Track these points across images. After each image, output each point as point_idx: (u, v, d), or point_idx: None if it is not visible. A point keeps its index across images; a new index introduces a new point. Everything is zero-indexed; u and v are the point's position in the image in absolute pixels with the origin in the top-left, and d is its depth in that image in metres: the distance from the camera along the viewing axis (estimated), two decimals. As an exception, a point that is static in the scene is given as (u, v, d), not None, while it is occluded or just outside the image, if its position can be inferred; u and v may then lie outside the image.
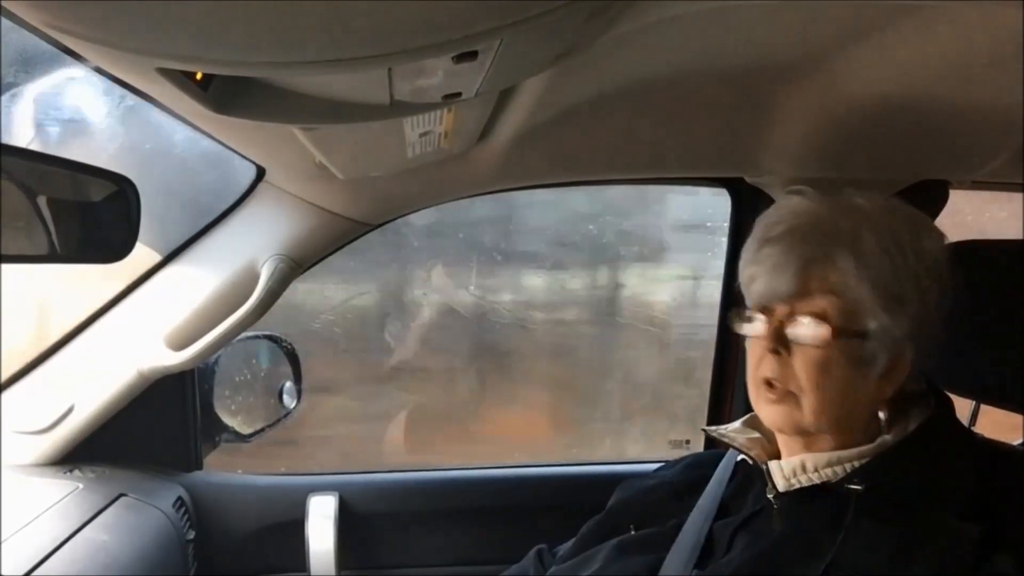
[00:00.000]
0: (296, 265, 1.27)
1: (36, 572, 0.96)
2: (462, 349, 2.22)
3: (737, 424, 1.00)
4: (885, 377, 0.86)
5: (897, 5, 0.79)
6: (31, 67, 1.23)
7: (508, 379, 2.28)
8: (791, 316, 0.85)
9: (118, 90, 1.14)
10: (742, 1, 0.78)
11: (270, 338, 1.49)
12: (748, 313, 0.89)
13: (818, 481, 0.86)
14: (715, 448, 1.10)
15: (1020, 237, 1.22)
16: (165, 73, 0.56)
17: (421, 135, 0.90)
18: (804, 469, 0.87)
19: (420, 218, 1.90)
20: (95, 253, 0.93)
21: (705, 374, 1.63)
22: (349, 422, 2.17)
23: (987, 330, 0.99)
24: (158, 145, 1.35)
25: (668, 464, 1.13)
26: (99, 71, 0.81)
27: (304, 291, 2.03)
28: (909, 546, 0.78)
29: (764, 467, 0.90)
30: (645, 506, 1.03)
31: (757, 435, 0.97)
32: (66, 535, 1.04)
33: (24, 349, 1.28)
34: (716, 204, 1.69)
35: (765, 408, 0.88)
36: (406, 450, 2.19)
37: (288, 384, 1.49)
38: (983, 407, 1.14)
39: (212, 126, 0.93)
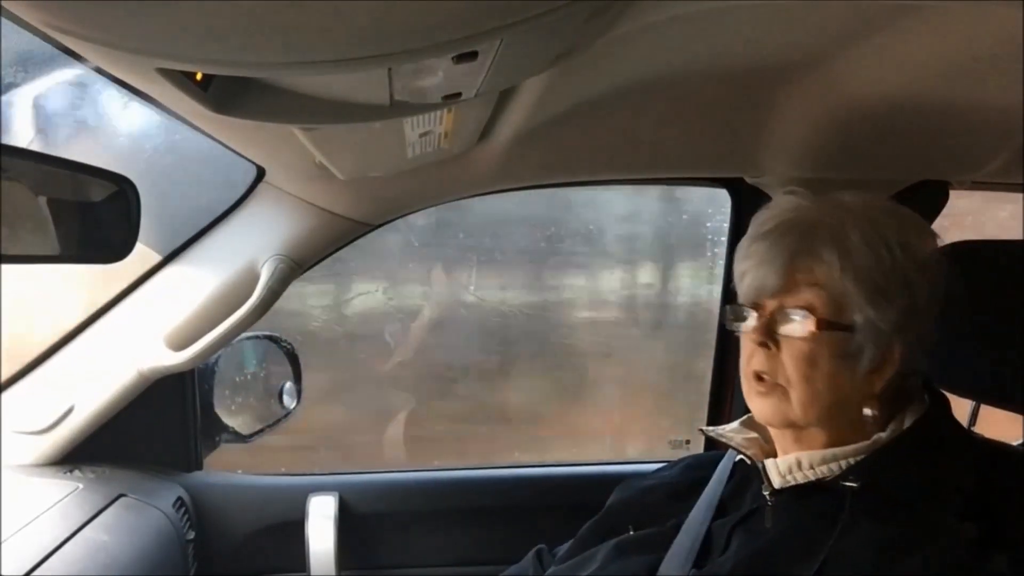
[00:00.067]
0: (296, 265, 1.27)
1: (36, 572, 0.96)
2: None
3: (735, 424, 1.00)
4: (874, 371, 0.87)
5: (897, 5, 0.79)
6: (31, 67, 1.24)
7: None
8: (779, 310, 0.87)
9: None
10: (742, 1, 0.78)
11: (270, 338, 1.49)
12: (740, 310, 0.91)
13: (813, 478, 0.87)
14: (715, 449, 1.10)
15: (1020, 237, 1.22)
16: (165, 73, 0.56)
17: (421, 135, 0.90)
18: (799, 466, 0.88)
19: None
20: (95, 253, 0.93)
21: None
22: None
23: (987, 330, 0.99)
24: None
25: (668, 465, 1.13)
26: (99, 71, 0.81)
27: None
28: (904, 544, 0.79)
29: (760, 465, 0.90)
30: (644, 506, 1.03)
31: (754, 435, 0.97)
32: (66, 535, 1.04)
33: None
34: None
35: (755, 402, 0.90)
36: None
37: (288, 384, 1.49)
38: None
39: (212, 126, 0.93)
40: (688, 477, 1.05)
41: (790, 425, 0.89)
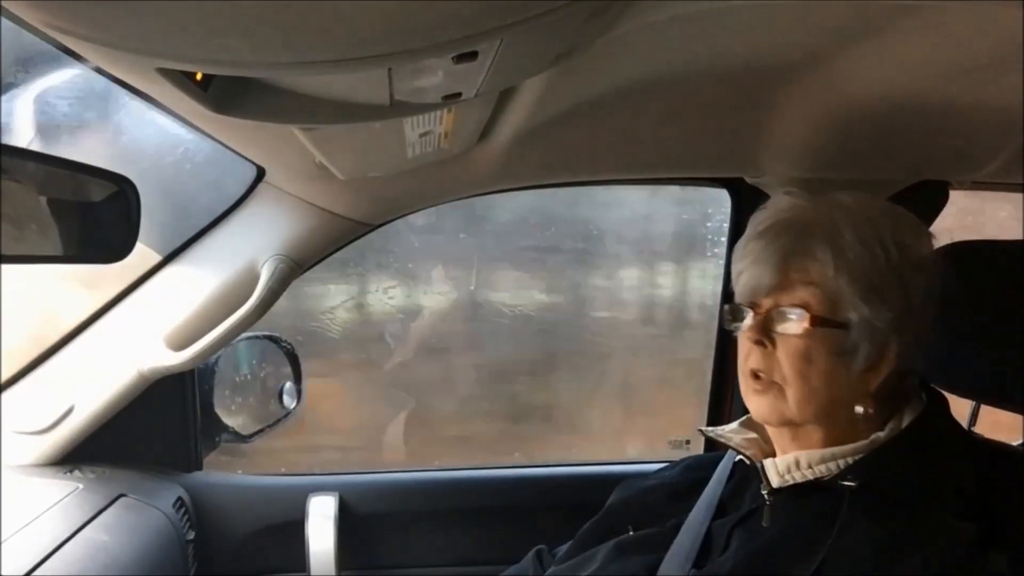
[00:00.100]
0: (296, 265, 1.27)
1: (36, 572, 0.96)
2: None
3: (734, 425, 1.01)
4: (870, 370, 0.87)
5: (897, 5, 0.79)
6: (31, 67, 1.24)
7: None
8: (775, 309, 0.87)
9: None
10: (742, 1, 0.78)
11: (270, 338, 1.50)
12: (737, 310, 0.91)
13: (811, 477, 0.87)
14: (715, 450, 1.10)
15: (1020, 237, 1.22)
16: (165, 73, 0.56)
17: (421, 135, 0.90)
18: (798, 466, 0.88)
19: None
20: (95, 253, 0.93)
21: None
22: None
23: (987, 330, 0.99)
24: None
25: (668, 465, 1.13)
26: (99, 71, 0.81)
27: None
28: (903, 543, 0.79)
29: (759, 465, 0.91)
30: (644, 506, 1.04)
31: (754, 435, 0.98)
32: (66, 535, 1.04)
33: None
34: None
35: (752, 400, 0.90)
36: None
37: (288, 384, 1.49)
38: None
39: (212, 126, 0.93)
40: (688, 477, 1.05)
41: (787, 423, 0.89)
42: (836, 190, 0.93)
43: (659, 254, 2.21)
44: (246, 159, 1.20)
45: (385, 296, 2.06)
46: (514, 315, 2.11)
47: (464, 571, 1.48)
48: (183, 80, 0.59)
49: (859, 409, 0.87)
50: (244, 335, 1.34)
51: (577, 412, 2.22)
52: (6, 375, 1.27)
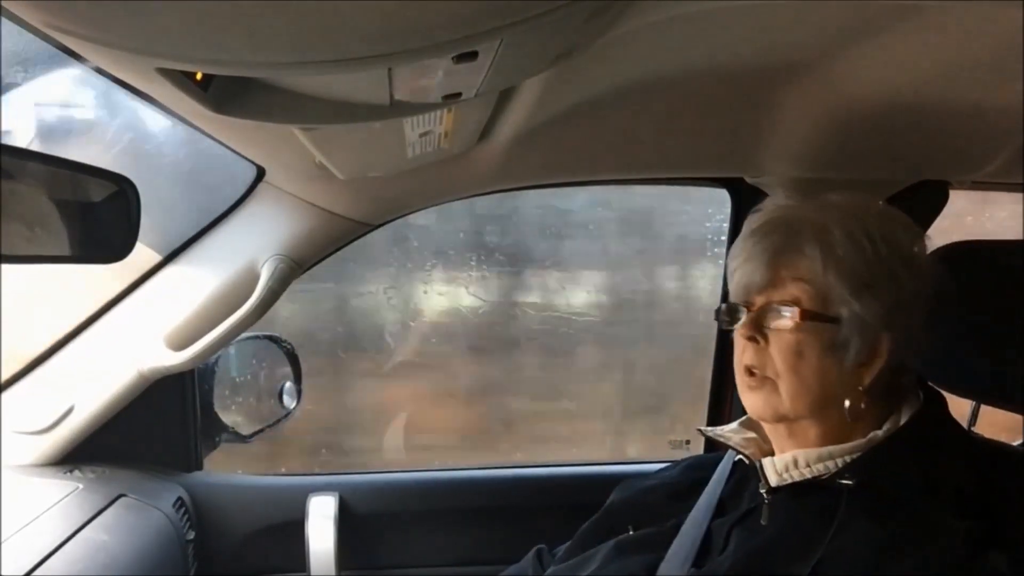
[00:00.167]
0: (296, 265, 1.27)
1: (36, 572, 0.96)
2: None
3: (734, 425, 1.01)
4: (863, 364, 0.88)
5: (897, 5, 0.79)
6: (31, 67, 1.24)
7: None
8: (768, 305, 0.89)
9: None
10: (742, 1, 0.78)
11: (270, 338, 1.49)
12: (732, 309, 0.93)
13: (809, 476, 0.88)
14: (715, 450, 1.11)
15: (1020, 237, 1.22)
16: (165, 73, 0.56)
17: (421, 135, 0.90)
18: (796, 464, 0.89)
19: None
20: (95, 253, 0.93)
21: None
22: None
23: (986, 331, 0.99)
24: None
25: (669, 465, 1.13)
26: (99, 71, 0.81)
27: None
28: (901, 542, 0.79)
29: (758, 464, 0.91)
30: (644, 506, 1.04)
31: (753, 435, 0.98)
32: (66, 535, 1.04)
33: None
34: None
35: (747, 397, 0.91)
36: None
37: (288, 384, 1.49)
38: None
39: (212, 126, 0.93)
40: (688, 477, 1.05)
41: (781, 419, 0.90)
42: (836, 190, 0.94)
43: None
44: (246, 159, 1.20)
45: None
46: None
47: (464, 571, 1.48)
48: (183, 80, 0.59)
49: (848, 403, 0.88)
50: (244, 335, 1.33)
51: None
52: (6, 375, 1.27)
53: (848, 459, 0.87)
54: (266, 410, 1.50)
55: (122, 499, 1.20)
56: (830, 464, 0.87)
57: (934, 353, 0.94)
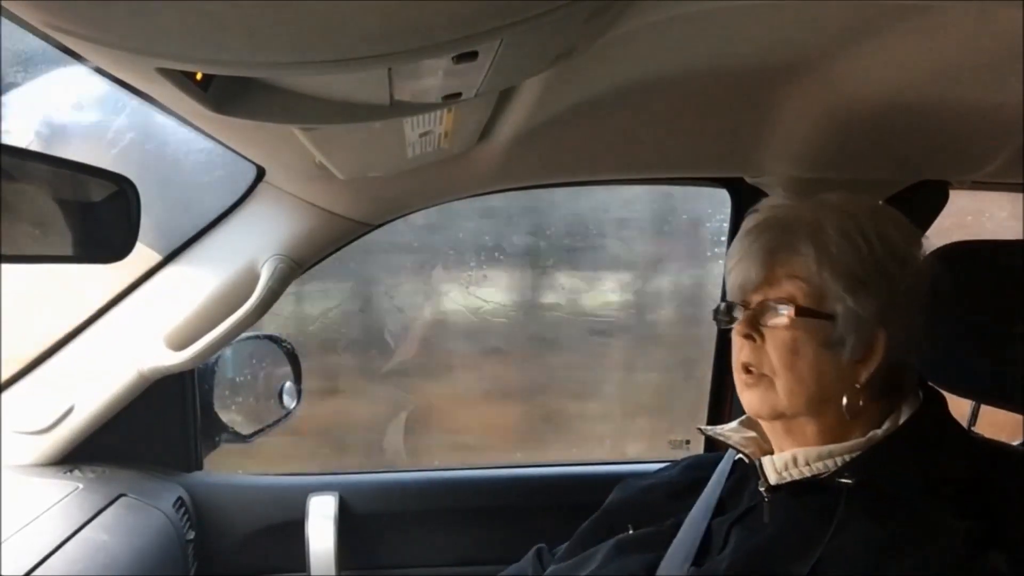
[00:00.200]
0: (296, 265, 1.27)
1: (36, 572, 0.96)
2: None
3: (734, 424, 1.01)
4: (859, 361, 0.88)
5: (897, 5, 0.79)
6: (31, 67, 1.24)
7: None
8: (764, 303, 0.89)
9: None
10: (742, 1, 0.78)
11: (270, 338, 1.49)
12: (730, 308, 0.94)
13: (809, 475, 0.88)
14: (716, 450, 1.11)
15: (1020, 237, 1.22)
16: (165, 73, 0.56)
17: (421, 135, 0.90)
18: (795, 463, 0.89)
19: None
20: (95, 253, 0.93)
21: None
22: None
23: (987, 330, 0.99)
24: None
25: (669, 465, 1.13)
26: (99, 71, 0.81)
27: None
28: (901, 542, 0.79)
29: (757, 462, 0.91)
30: (643, 505, 1.04)
31: (752, 434, 0.98)
32: (66, 535, 1.04)
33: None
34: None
35: (745, 394, 0.92)
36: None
37: (288, 384, 1.49)
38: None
39: (212, 126, 0.93)
40: (688, 477, 1.05)
41: (778, 416, 0.90)
42: (836, 190, 0.94)
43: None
44: (246, 159, 1.20)
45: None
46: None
47: (464, 571, 1.48)
48: (183, 80, 0.59)
49: (845, 400, 0.88)
50: (244, 335, 1.33)
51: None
52: (6, 375, 1.27)
53: (848, 458, 0.87)
54: (266, 410, 1.50)
55: (122, 499, 1.20)
56: (829, 463, 0.88)
57: (934, 353, 0.94)
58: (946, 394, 0.96)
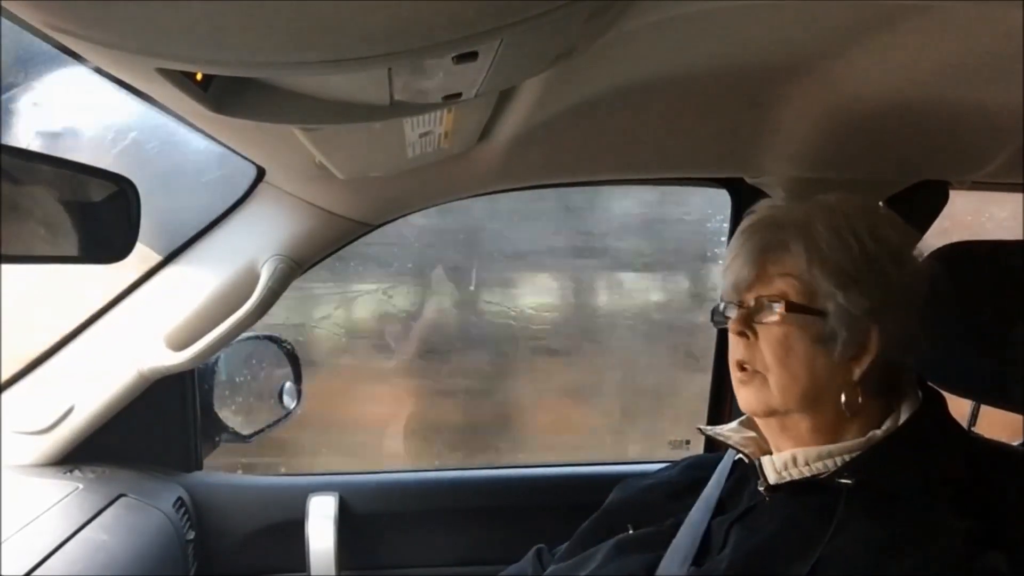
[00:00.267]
0: (296, 265, 1.27)
1: (36, 572, 0.96)
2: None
3: (733, 424, 1.02)
4: (853, 358, 0.88)
5: (897, 5, 0.79)
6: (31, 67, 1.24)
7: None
8: (757, 301, 0.91)
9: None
10: (742, 1, 0.78)
11: (270, 338, 1.49)
12: (726, 307, 0.95)
13: (808, 474, 0.88)
14: (715, 450, 1.11)
15: (1020, 237, 1.22)
16: (165, 73, 0.56)
17: (421, 135, 0.90)
18: (795, 463, 0.89)
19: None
20: (95, 253, 0.93)
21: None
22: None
23: (987, 331, 0.99)
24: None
25: (669, 465, 1.13)
26: (99, 71, 0.81)
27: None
28: (901, 542, 0.79)
29: (757, 462, 0.91)
30: (643, 505, 1.04)
31: (752, 434, 0.98)
32: (66, 535, 1.04)
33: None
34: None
35: (740, 392, 0.92)
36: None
37: (288, 384, 1.49)
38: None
39: (212, 126, 0.93)
40: (688, 477, 1.05)
41: (772, 412, 0.91)
42: (836, 190, 0.94)
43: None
44: (246, 159, 1.20)
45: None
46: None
47: (464, 571, 1.48)
48: (183, 80, 0.59)
49: (841, 397, 0.88)
50: (244, 335, 1.33)
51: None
52: (6, 375, 1.27)
53: (847, 458, 0.87)
54: (266, 410, 1.50)
55: (122, 499, 1.20)
56: (829, 463, 0.88)
57: (934, 353, 0.94)
58: (946, 394, 0.96)
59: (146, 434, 1.36)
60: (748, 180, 1.36)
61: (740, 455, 0.96)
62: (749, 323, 0.90)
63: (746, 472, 0.96)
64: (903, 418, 0.89)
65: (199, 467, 1.44)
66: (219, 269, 1.27)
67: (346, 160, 1.00)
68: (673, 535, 0.95)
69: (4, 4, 0.46)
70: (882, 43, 0.89)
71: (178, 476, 1.39)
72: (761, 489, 0.90)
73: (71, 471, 1.26)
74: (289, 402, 1.49)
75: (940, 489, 0.83)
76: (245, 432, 1.47)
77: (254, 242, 1.27)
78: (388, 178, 1.18)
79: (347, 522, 1.42)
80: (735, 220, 1.53)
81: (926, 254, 0.98)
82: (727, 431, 1.00)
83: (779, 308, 0.88)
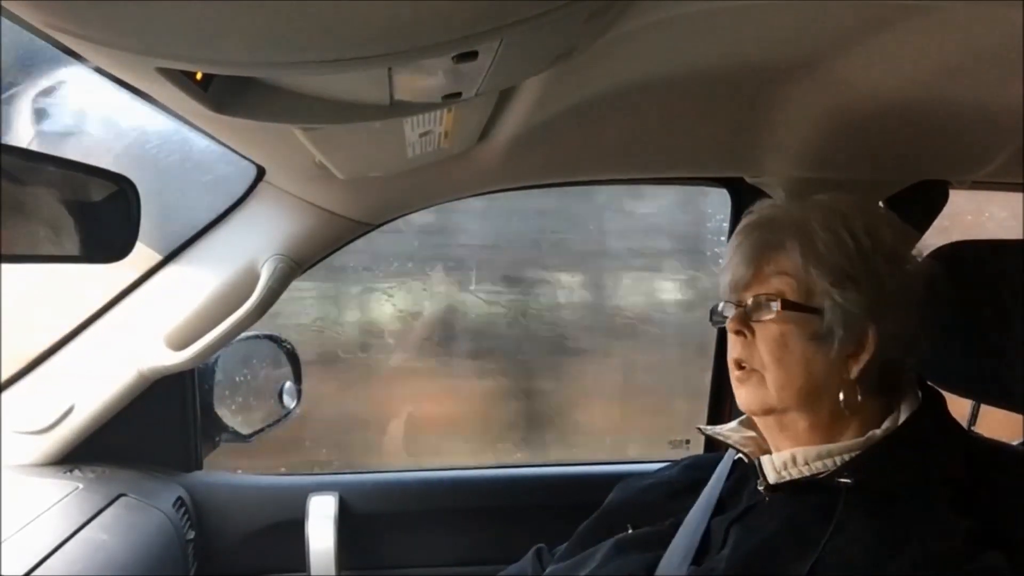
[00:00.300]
0: (296, 265, 1.27)
1: (36, 572, 0.96)
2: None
3: (733, 424, 1.02)
4: (850, 356, 0.89)
5: (897, 5, 0.79)
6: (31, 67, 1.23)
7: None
8: (754, 300, 0.91)
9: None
10: (742, 1, 0.78)
11: (270, 338, 1.49)
12: (724, 307, 0.95)
13: (808, 474, 0.88)
14: (715, 450, 1.11)
15: (1020, 237, 1.22)
16: (165, 73, 0.56)
17: (421, 135, 0.90)
18: (794, 462, 0.89)
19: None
20: (95, 253, 0.93)
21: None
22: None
23: (986, 330, 0.99)
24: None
25: (668, 465, 1.13)
26: (99, 71, 0.81)
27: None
28: (900, 541, 0.79)
29: (756, 462, 0.91)
30: (643, 505, 1.04)
31: (752, 433, 0.98)
32: (66, 535, 1.04)
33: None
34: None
35: (737, 391, 0.93)
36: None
37: (288, 384, 1.49)
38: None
39: (212, 126, 0.93)
40: (688, 477, 1.05)
41: (769, 410, 0.91)
42: (836, 190, 0.94)
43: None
44: (246, 159, 1.20)
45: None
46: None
47: (464, 571, 1.48)
48: (183, 80, 0.59)
49: (839, 395, 0.89)
50: (244, 334, 1.33)
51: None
52: (6, 375, 1.27)
53: (847, 457, 0.87)
54: (266, 410, 1.50)
55: (122, 499, 1.20)
56: (828, 462, 0.88)
57: (934, 353, 0.94)
58: (946, 394, 0.96)
59: (146, 434, 1.36)
60: (748, 180, 1.36)
61: (740, 455, 0.96)
62: (746, 322, 0.91)
63: (746, 472, 0.96)
64: (903, 418, 0.89)
65: (199, 467, 1.44)
66: (219, 269, 1.27)
67: (346, 160, 1.00)
68: (672, 535, 0.95)
69: (4, 4, 0.46)
70: (882, 43, 0.89)
71: (178, 476, 1.39)
72: (761, 489, 0.90)
73: (71, 471, 1.26)
74: (289, 402, 1.49)
75: (940, 489, 0.83)
76: (245, 432, 1.46)
77: (254, 242, 1.27)
78: (388, 178, 1.18)
79: (347, 522, 1.42)
80: (735, 220, 1.53)
81: (926, 254, 0.98)
82: (727, 431, 1.00)
83: (775, 306, 0.88)
